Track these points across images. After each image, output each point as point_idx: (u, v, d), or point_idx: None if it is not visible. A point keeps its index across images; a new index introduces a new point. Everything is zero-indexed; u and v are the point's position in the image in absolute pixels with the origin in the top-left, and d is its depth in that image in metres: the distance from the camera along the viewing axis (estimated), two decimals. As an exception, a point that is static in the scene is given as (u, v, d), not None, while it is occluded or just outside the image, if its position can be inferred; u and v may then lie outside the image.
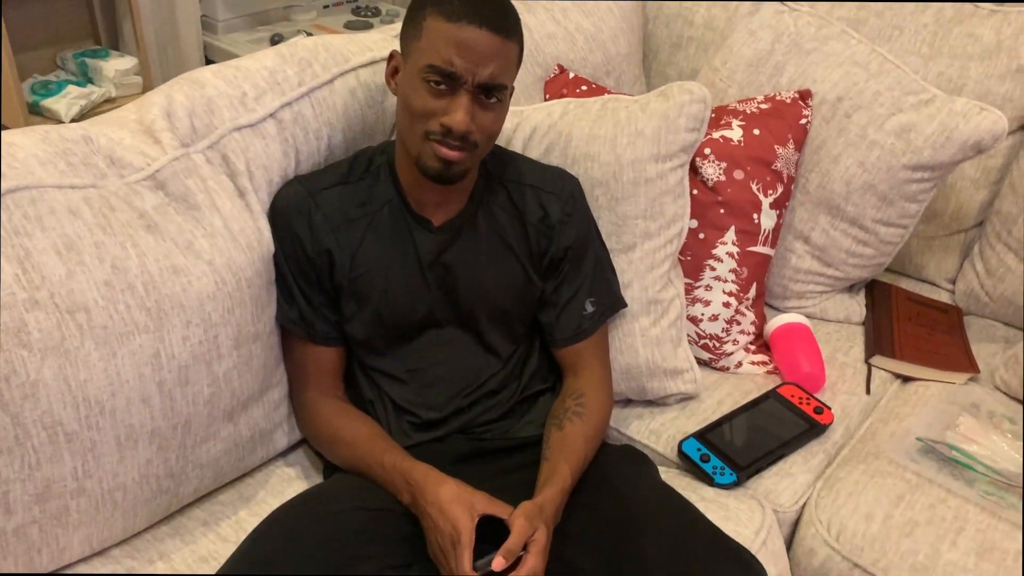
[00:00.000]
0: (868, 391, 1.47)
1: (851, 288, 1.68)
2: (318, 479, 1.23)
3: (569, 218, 1.22)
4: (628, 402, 1.42)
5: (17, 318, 0.92)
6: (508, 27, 1.05)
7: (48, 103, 2.16)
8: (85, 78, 2.29)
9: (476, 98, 1.05)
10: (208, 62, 2.49)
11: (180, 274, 1.03)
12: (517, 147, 1.35)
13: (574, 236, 1.22)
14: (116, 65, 2.27)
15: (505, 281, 1.20)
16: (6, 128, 2.13)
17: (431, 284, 1.18)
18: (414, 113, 1.06)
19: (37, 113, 2.18)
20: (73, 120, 2.15)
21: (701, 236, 1.46)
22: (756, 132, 1.50)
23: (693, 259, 1.46)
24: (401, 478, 1.06)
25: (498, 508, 1.01)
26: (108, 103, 2.26)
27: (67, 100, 2.16)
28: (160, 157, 1.09)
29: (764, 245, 1.50)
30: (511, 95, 1.11)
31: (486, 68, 1.03)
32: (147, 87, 2.34)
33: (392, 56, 1.13)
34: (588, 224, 1.27)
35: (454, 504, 1.00)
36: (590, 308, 1.24)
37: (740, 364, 1.50)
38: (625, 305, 1.32)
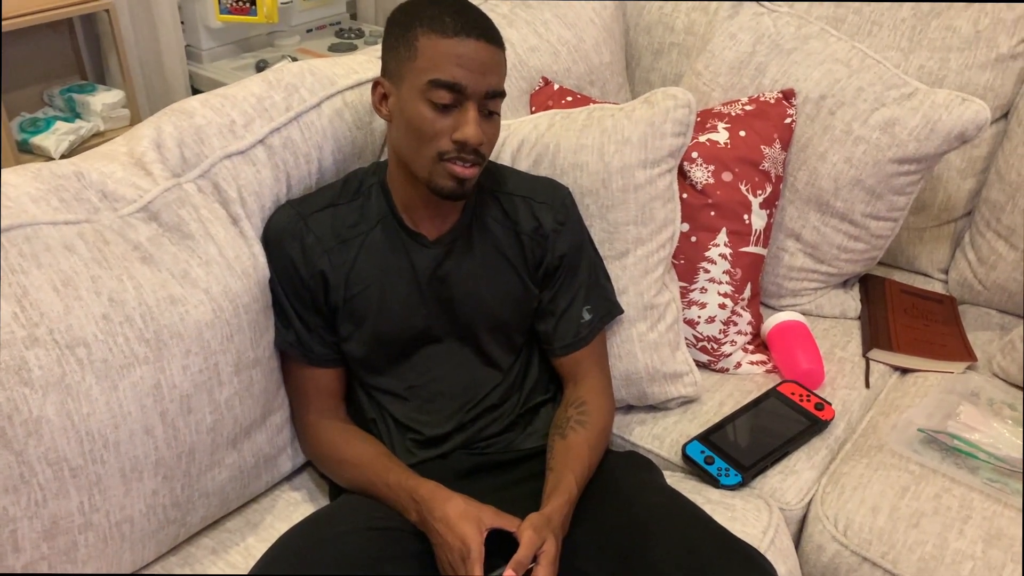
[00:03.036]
0: (867, 385, 1.48)
1: (845, 283, 1.69)
2: (324, 501, 1.23)
3: (562, 227, 1.23)
4: (630, 408, 1.42)
5: (17, 356, 0.92)
6: (497, 37, 1.08)
7: (37, 140, 2.17)
8: (73, 113, 2.30)
9: (481, 109, 1.06)
10: (194, 91, 2.50)
11: (177, 304, 1.04)
12: (506, 160, 1.36)
13: (568, 244, 1.23)
14: (103, 99, 2.28)
15: (502, 291, 1.21)
16: (-4, 167, 2.13)
17: (428, 298, 1.18)
18: (423, 135, 1.06)
19: (27, 151, 2.18)
20: (63, 156, 2.15)
21: (693, 239, 1.47)
22: (742, 134, 1.51)
23: (686, 262, 1.47)
24: (407, 496, 1.07)
25: (506, 521, 1.02)
26: (97, 137, 2.26)
27: (56, 136, 2.17)
28: (152, 189, 1.09)
29: (756, 245, 1.51)
30: None
31: (488, 77, 1.05)
32: (135, 119, 2.34)
33: (377, 83, 1.14)
34: (581, 232, 1.27)
35: (462, 519, 1.00)
36: (587, 316, 1.25)
37: (739, 365, 1.50)
38: (621, 311, 1.32)
